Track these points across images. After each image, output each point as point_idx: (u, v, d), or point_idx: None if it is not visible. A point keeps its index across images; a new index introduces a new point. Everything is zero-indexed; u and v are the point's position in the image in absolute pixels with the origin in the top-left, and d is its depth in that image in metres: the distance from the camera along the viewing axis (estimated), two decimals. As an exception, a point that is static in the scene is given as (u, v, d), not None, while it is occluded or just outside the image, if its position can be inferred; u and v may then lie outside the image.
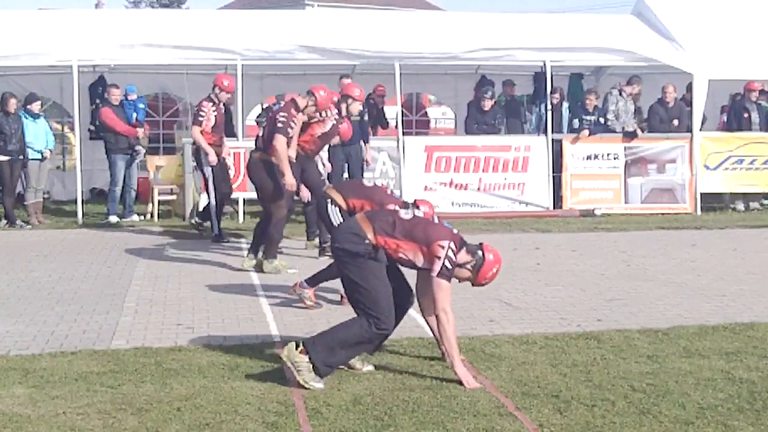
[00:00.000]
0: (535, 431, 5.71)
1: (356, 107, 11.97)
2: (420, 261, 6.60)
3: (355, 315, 6.71)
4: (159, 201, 16.02)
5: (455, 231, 6.75)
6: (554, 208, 16.37)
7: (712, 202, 17.37)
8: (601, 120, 16.58)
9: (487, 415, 5.94)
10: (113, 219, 15.27)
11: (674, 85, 17.08)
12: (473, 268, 6.65)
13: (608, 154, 16.46)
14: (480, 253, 6.67)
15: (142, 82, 17.55)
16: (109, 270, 11.20)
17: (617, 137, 16.53)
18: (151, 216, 15.77)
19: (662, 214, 16.35)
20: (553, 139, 16.47)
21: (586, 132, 16.46)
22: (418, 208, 8.67)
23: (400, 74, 16.05)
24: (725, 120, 17.94)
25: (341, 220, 9.11)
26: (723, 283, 10.45)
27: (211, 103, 12.96)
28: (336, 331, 6.66)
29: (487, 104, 16.69)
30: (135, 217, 15.58)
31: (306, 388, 6.39)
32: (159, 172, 16.69)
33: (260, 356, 7.26)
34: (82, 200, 15.74)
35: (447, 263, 6.51)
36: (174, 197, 16.18)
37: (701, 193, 16.68)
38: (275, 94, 21.00)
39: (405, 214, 6.80)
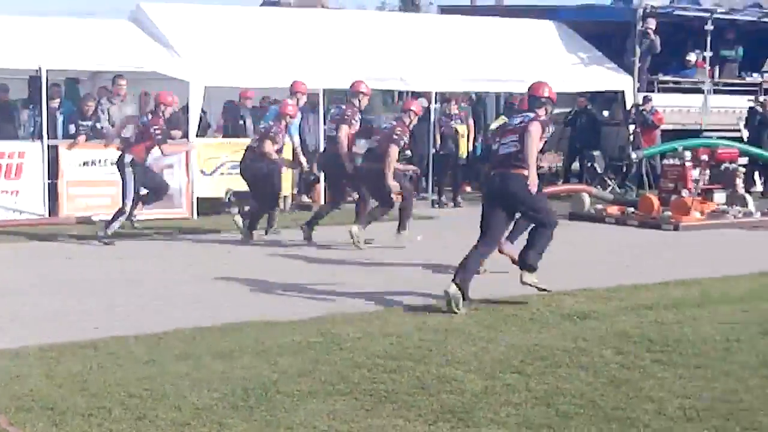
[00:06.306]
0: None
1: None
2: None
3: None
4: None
5: None
6: (50, 215, 15.89)
7: (208, 206, 17.73)
8: (98, 125, 16.40)
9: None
10: None
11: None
12: None
13: (105, 160, 16.22)
14: None
15: None
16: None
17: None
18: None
19: (159, 219, 16.37)
20: (49, 145, 15.97)
21: (83, 137, 16.18)
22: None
23: None
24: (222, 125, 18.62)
25: None
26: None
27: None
28: (540, 242, 9.64)
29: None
30: None
31: None
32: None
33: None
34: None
35: None
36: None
37: (198, 198, 17.04)
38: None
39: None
